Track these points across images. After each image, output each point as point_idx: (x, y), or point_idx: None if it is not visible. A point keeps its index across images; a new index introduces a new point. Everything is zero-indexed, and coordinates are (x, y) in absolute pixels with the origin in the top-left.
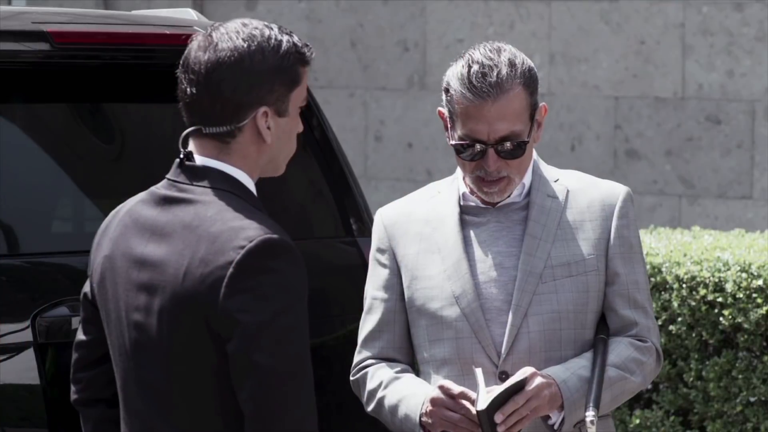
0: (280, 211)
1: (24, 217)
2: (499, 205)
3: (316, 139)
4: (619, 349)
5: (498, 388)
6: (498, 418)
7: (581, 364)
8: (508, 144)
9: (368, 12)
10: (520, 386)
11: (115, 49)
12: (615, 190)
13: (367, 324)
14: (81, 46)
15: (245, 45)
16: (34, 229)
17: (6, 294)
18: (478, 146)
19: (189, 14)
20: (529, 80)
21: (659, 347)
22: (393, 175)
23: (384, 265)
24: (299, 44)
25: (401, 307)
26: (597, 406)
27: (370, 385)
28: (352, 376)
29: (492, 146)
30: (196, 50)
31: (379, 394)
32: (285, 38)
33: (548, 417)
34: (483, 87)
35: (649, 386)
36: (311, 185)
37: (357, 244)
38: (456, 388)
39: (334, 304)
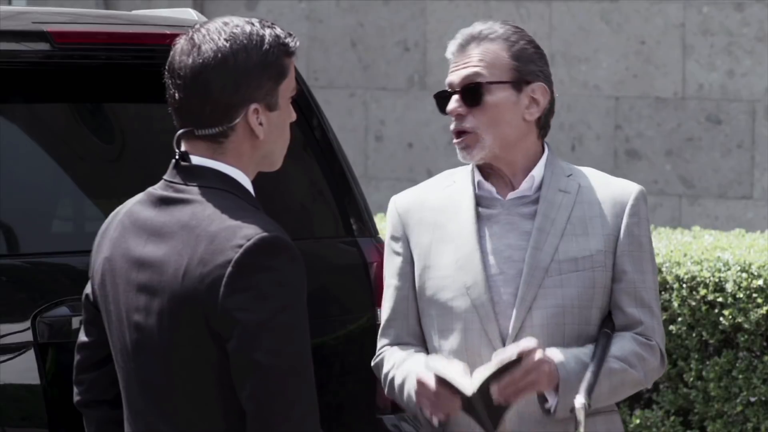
0: (280, 211)
1: (24, 217)
2: (510, 197)
3: (316, 139)
4: (623, 343)
5: (487, 369)
6: (493, 390)
7: (582, 351)
8: (468, 88)
9: (368, 12)
10: (514, 363)
11: (115, 49)
12: (628, 189)
13: (384, 312)
14: (81, 46)
15: (228, 45)
16: (34, 229)
17: (6, 294)
18: (449, 94)
19: (189, 14)
20: (514, 43)
21: (663, 349)
22: (393, 175)
23: (398, 253)
24: (282, 35)
25: (414, 294)
26: (589, 394)
27: (385, 368)
28: (373, 361)
29: (457, 91)
30: (179, 55)
31: (390, 376)
32: (267, 32)
33: (545, 400)
34: (463, 38)
35: (649, 386)
36: (311, 185)
37: (357, 244)
38: (442, 373)
39: (334, 304)
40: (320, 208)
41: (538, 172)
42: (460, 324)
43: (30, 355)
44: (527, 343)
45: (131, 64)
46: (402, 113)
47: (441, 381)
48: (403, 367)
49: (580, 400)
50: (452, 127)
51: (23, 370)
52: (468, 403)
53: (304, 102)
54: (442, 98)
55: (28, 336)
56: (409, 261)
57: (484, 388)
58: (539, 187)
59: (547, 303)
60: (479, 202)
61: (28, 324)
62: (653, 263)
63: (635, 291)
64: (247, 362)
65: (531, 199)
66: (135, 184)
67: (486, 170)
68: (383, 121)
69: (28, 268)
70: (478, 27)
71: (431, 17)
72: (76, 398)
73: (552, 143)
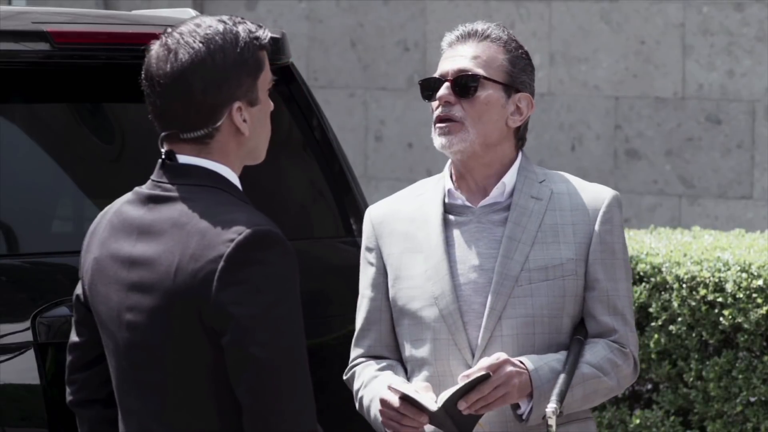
0: (280, 210)
1: (24, 217)
2: (481, 205)
3: (316, 139)
4: (596, 349)
5: (455, 387)
6: (461, 405)
7: (556, 358)
8: (462, 79)
9: (368, 12)
10: (482, 379)
11: (115, 49)
12: (601, 194)
13: (358, 322)
14: (81, 46)
15: (203, 47)
16: (34, 229)
17: (6, 294)
18: (439, 82)
19: (189, 14)
20: (512, 50)
21: (636, 356)
22: (393, 175)
23: (371, 264)
24: (253, 29)
25: (387, 305)
26: (561, 401)
27: (356, 385)
28: (345, 375)
29: (449, 80)
30: (156, 61)
31: (360, 394)
32: (240, 28)
33: (518, 406)
34: (463, 31)
35: (649, 386)
36: (311, 185)
37: (357, 244)
38: (404, 390)
39: (333, 304)
40: (320, 208)
41: (509, 178)
42: (430, 334)
43: (30, 355)
44: (494, 358)
45: (131, 64)
46: (402, 113)
47: (405, 400)
48: (370, 386)
49: (551, 406)
50: (437, 112)
51: (23, 370)
52: (435, 418)
53: (304, 102)
54: (427, 86)
55: (27, 336)
56: (382, 272)
57: (451, 403)
58: (511, 194)
59: (517, 313)
60: (450, 210)
61: (28, 324)
62: (627, 270)
63: (608, 299)
64: (242, 356)
65: (502, 206)
66: (134, 184)
67: (458, 176)
68: (383, 121)
69: (28, 268)
70: (479, 25)
71: (431, 17)
72: (68, 398)
73: (552, 143)
